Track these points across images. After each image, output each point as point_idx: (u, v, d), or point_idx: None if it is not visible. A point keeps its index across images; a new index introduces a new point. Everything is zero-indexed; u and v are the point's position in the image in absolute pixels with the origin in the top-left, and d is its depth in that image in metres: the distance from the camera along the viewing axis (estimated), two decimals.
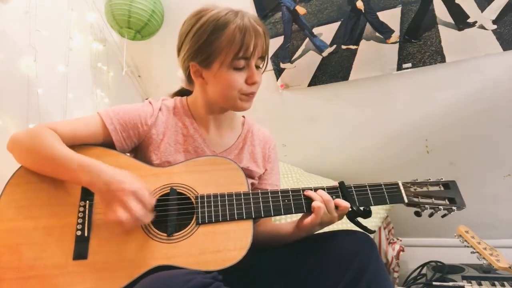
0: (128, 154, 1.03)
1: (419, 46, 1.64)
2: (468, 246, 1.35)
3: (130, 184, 0.79)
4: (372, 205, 0.93)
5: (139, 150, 1.02)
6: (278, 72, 1.96)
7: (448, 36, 1.58)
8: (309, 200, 0.91)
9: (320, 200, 0.89)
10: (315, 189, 0.93)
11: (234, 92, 0.95)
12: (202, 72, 0.98)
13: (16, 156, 0.89)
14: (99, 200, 0.82)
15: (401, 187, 0.96)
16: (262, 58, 0.99)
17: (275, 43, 1.89)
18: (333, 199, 0.90)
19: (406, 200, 0.94)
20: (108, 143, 0.96)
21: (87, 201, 0.86)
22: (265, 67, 1.04)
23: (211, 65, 0.95)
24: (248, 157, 1.10)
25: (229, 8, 0.95)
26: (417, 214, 0.96)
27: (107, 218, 0.79)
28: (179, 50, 1.02)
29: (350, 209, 0.91)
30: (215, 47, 0.92)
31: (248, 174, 1.07)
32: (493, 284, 1.47)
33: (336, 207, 0.90)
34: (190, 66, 0.99)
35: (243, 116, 1.18)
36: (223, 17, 0.93)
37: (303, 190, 0.93)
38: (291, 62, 1.91)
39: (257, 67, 0.98)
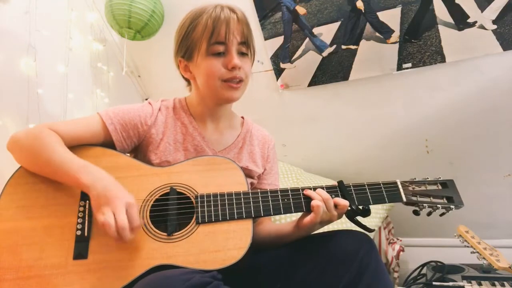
0: (128, 154, 1.03)
1: (419, 46, 1.64)
2: (468, 246, 1.35)
3: (127, 196, 0.80)
4: (371, 204, 0.93)
5: (139, 150, 1.02)
6: (278, 72, 1.96)
7: (448, 36, 1.58)
8: (309, 199, 0.91)
9: (319, 199, 0.89)
10: (314, 188, 0.93)
11: (215, 80, 0.96)
12: (189, 66, 1.02)
13: (16, 156, 0.89)
14: (92, 202, 0.80)
15: (400, 186, 0.96)
16: (245, 44, 0.99)
17: (275, 43, 1.89)
18: (332, 198, 0.91)
19: (404, 199, 0.95)
20: (108, 143, 0.96)
21: (87, 201, 0.86)
22: (253, 54, 1.04)
23: (192, 56, 0.99)
24: (247, 156, 1.11)
25: (213, 4, 0.98)
26: (416, 213, 0.96)
27: (95, 219, 0.78)
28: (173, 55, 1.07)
29: (349, 208, 0.91)
30: (192, 38, 0.97)
31: (247, 173, 1.07)
32: (493, 284, 1.46)
33: (336, 205, 0.90)
34: (179, 63, 1.04)
35: (242, 117, 1.18)
36: (199, 11, 0.98)
37: (303, 189, 0.93)
38: (291, 62, 1.91)
39: (242, 53, 0.99)
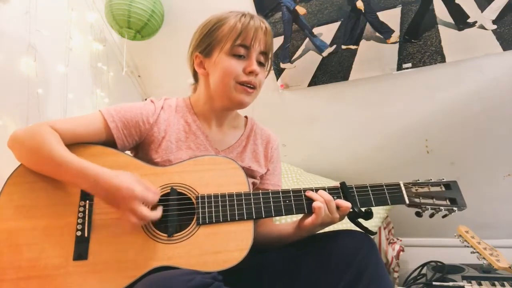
0: (129, 152, 1.03)
1: (419, 46, 1.64)
2: (468, 246, 1.35)
3: (128, 189, 0.78)
4: (373, 206, 0.93)
5: (140, 148, 1.02)
6: (278, 72, 1.96)
7: (448, 36, 1.58)
8: (310, 200, 0.91)
9: (321, 200, 0.89)
10: (316, 190, 0.93)
11: (231, 80, 0.97)
12: (204, 62, 1.03)
13: (16, 154, 0.88)
14: (106, 203, 0.83)
15: (403, 188, 0.96)
16: (265, 55, 1.02)
17: (275, 43, 1.86)
18: (334, 199, 0.90)
19: (407, 201, 0.94)
20: (109, 141, 0.96)
21: (87, 201, 0.86)
22: (269, 68, 1.07)
23: (212, 52, 1.00)
24: (251, 156, 1.10)
25: (241, 11, 1.02)
26: (418, 214, 0.96)
27: (123, 226, 0.83)
28: (188, 51, 1.08)
29: (351, 210, 0.91)
30: (215, 36, 0.99)
31: (250, 173, 1.07)
32: (493, 284, 1.47)
33: (337, 207, 0.90)
34: (194, 58, 1.04)
35: (246, 117, 1.18)
36: (227, 14, 1.01)
37: (304, 190, 0.93)
38: (291, 62, 1.91)
39: (260, 63, 1.01)
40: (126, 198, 0.78)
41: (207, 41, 1.00)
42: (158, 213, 0.82)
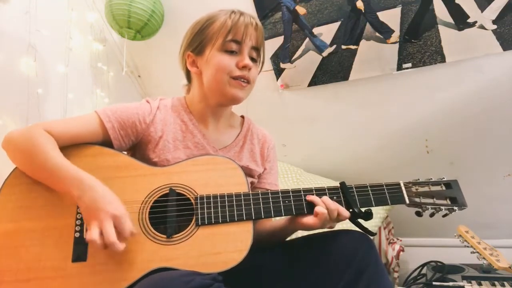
0: (126, 152, 1.02)
1: (419, 46, 1.64)
2: (468, 246, 1.35)
3: (114, 208, 0.78)
4: (373, 206, 0.92)
5: (137, 148, 1.01)
6: (278, 72, 1.96)
7: (448, 36, 1.58)
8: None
9: (323, 206, 0.88)
10: (316, 190, 0.92)
11: (224, 75, 0.97)
12: (196, 61, 1.03)
13: (10, 156, 0.88)
14: (83, 214, 0.80)
15: (403, 188, 0.95)
16: (257, 50, 1.02)
17: (275, 43, 1.89)
18: (333, 199, 0.90)
19: (407, 201, 0.94)
20: (106, 142, 0.95)
21: None
22: (262, 63, 1.07)
23: (204, 50, 1.00)
24: (248, 155, 1.10)
25: (230, 9, 1.01)
26: (418, 214, 0.95)
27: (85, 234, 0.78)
28: (180, 51, 1.08)
29: (351, 210, 0.91)
30: (207, 33, 0.99)
31: (248, 173, 1.07)
32: (493, 284, 1.47)
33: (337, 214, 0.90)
34: (187, 57, 1.04)
35: (242, 116, 1.17)
36: (217, 12, 1.01)
37: (304, 190, 0.93)
38: (291, 62, 1.91)
39: (252, 59, 1.01)
40: (107, 212, 0.76)
41: (199, 40, 1.00)
42: (121, 245, 0.76)
